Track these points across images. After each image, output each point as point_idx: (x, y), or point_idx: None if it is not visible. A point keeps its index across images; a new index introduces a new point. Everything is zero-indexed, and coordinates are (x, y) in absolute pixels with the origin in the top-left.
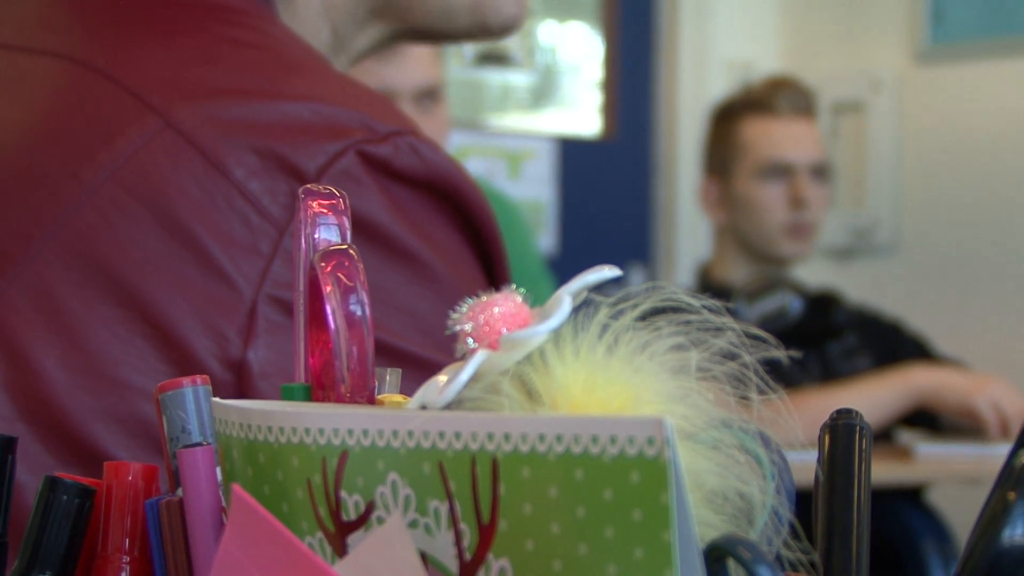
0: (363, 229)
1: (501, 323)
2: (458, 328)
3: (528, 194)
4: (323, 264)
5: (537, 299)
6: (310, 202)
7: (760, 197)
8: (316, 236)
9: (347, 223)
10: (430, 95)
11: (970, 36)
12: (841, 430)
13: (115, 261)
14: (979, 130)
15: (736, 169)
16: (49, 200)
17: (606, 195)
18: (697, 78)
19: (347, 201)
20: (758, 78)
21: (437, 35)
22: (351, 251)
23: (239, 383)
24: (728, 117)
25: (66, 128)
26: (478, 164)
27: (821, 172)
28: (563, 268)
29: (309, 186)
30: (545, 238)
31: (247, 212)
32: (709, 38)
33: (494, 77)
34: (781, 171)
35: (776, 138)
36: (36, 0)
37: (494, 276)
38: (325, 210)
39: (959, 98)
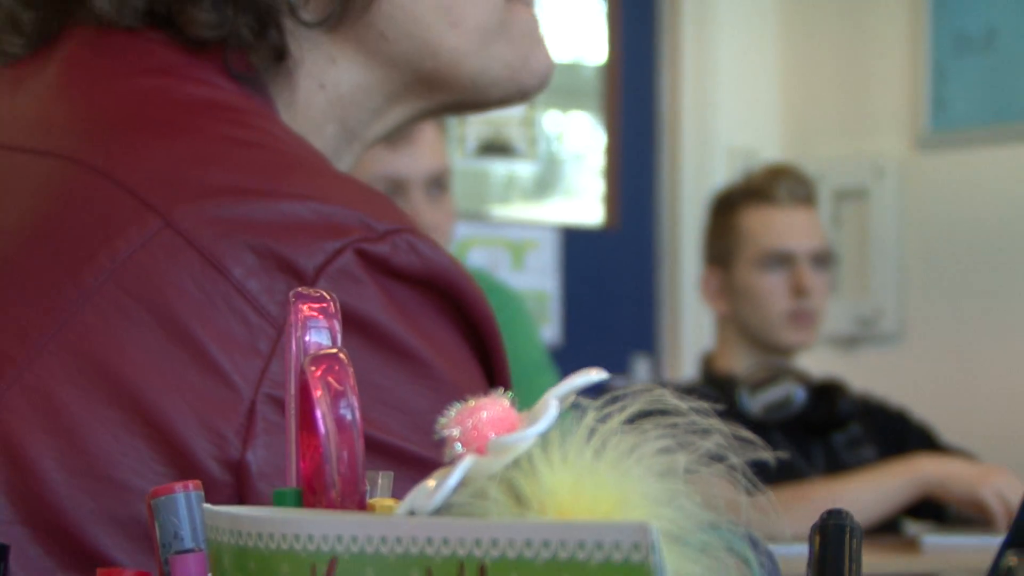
0: (361, 327)
1: (489, 428)
2: (446, 433)
3: (531, 284)
4: (313, 368)
5: (540, 392)
6: (301, 305)
7: (761, 286)
8: (307, 339)
9: (338, 326)
10: (439, 184)
11: (970, 123)
12: (831, 531)
13: (115, 362)
14: (982, 216)
15: (737, 258)
16: (49, 301)
17: (610, 284)
18: (699, 166)
19: (338, 304)
20: (760, 165)
21: (467, 108)
22: (341, 355)
23: (238, 484)
24: (728, 206)
25: (65, 229)
26: (481, 254)
27: (822, 260)
28: (567, 359)
29: (300, 289)
30: (549, 329)
31: (246, 311)
32: (711, 126)
33: (497, 167)
34: (782, 260)
35: (776, 227)
36: (36, 100)
37: (493, 374)
38: (316, 313)
39: (961, 184)
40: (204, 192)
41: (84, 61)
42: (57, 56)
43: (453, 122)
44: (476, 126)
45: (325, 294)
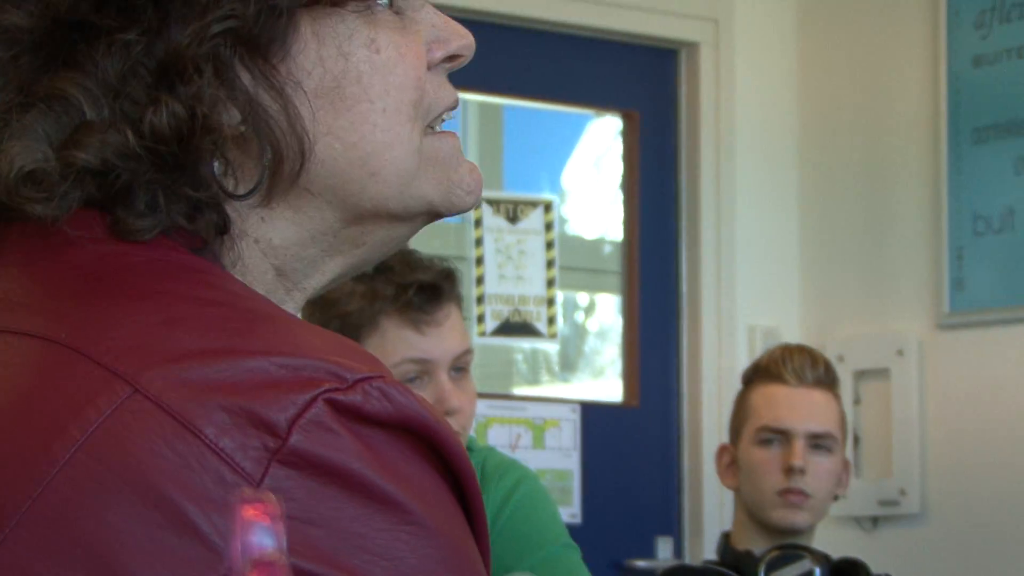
0: (338, 477)
1: None
2: None
3: (552, 464)
4: (254, 575)
5: (560, 572)
6: (245, 508)
7: (756, 461)
8: (251, 541)
9: (283, 529)
10: (462, 365)
11: (990, 303)
12: None
13: (90, 533)
14: (1003, 394)
15: (742, 434)
16: (22, 477)
17: (630, 463)
18: (720, 345)
19: (283, 507)
20: (778, 345)
21: (400, 242)
22: (282, 561)
23: None
24: (744, 384)
25: (35, 405)
26: (501, 433)
27: (824, 442)
28: (588, 539)
29: (244, 491)
30: (569, 509)
31: (221, 470)
32: (731, 304)
33: (517, 346)
34: (778, 437)
35: (778, 404)
36: (3, 269)
37: (472, 516)
38: (261, 515)
39: (982, 363)
40: (170, 356)
41: (37, 239)
42: (12, 240)
43: (472, 301)
44: (495, 305)
45: (271, 497)
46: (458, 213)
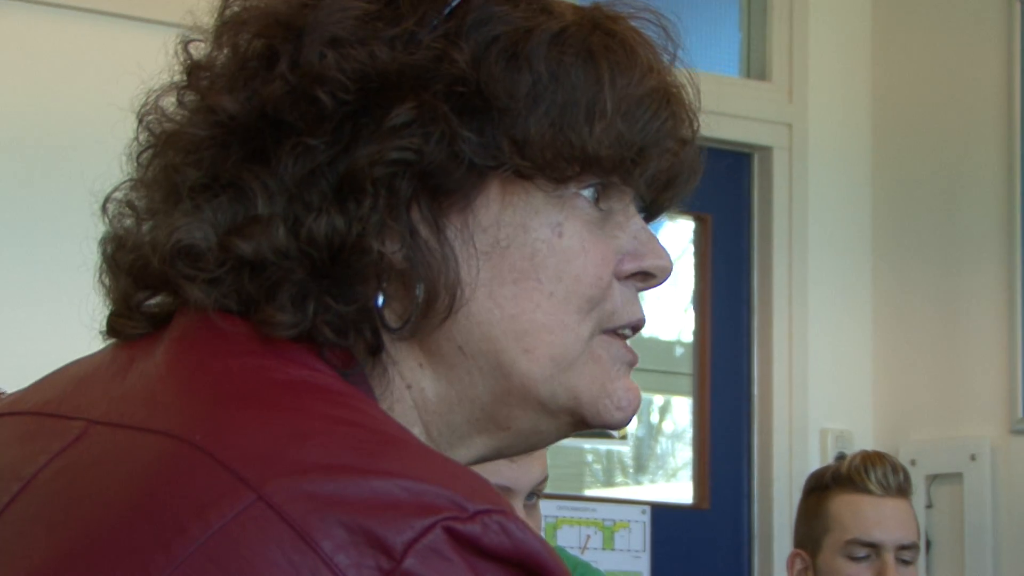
0: None
1: None
2: None
3: (622, 566)
4: None
5: None
6: None
7: (845, 574)
8: None
9: None
10: (537, 492)
11: None
12: None
13: None
14: None
15: (824, 544)
16: (140, 571)
17: (701, 566)
18: (791, 447)
19: None
20: (853, 447)
21: (543, 442)
22: None
23: None
24: (819, 491)
25: (162, 502)
26: (571, 534)
27: (910, 553)
28: None
29: None
30: None
31: None
32: (803, 407)
33: (588, 447)
34: (868, 549)
35: (865, 516)
36: (145, 379)
37: None
38: None
39: None
40: (297, 468)
41: (191, 341)
42: (167, 337)
43: None
44: None
45: None
46: (602, 427)
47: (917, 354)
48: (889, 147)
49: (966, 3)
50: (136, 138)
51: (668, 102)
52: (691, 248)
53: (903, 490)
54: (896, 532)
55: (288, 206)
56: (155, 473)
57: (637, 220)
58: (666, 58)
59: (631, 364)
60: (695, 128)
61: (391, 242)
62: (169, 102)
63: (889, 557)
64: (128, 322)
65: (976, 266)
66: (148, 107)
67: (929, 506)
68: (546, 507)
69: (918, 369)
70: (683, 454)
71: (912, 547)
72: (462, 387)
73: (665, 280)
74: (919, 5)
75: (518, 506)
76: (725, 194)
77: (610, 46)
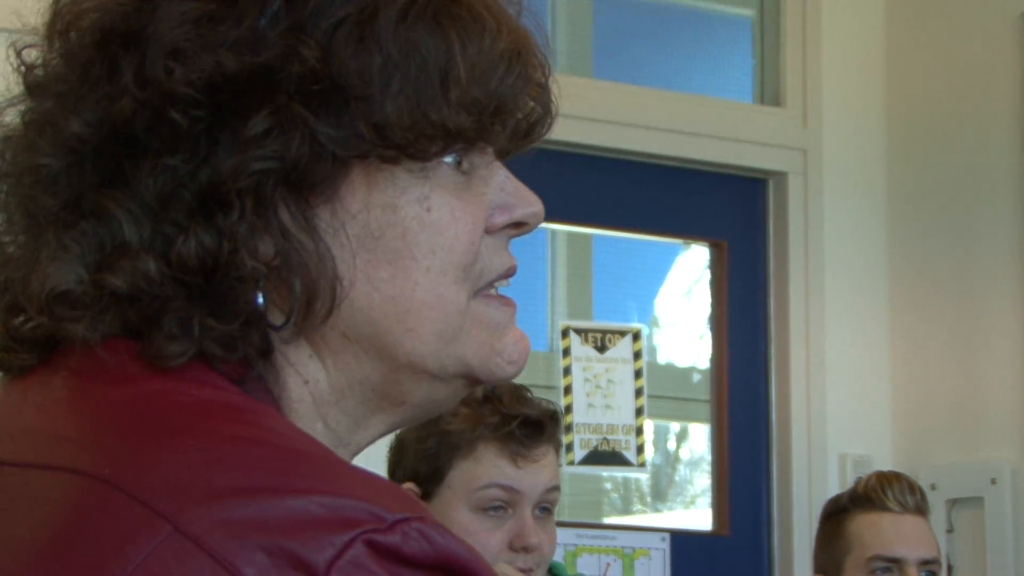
0: None
1: None
2: None
3: None
4: None
5: None
6: None
7: None
8: None
9: None
10: (548, 503)
11: None
12: None
13: None
14: None
15: (846, 565)
16: None
17: None
18: (810, 473)
19: None
20: (872, 473)
21: (440, 406)
22: None
23: None
24: (837, 515)
25: (77, 542)
26: (591, 563)
27: (931, 568)
28: None
29: None
30: None
31: None
32: (822, 433)
33: (606, 475)
34: (891, 566)
35: (885, 532)
36: (42, 413)
37: None
38: None
39: None
40: (211, 494)
41: (86, 372)
42: (61, 368)
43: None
44: (584, 434)
45: None
46: (495, 382)
47: (935, 378)
48: (904, 171)
49: (978, 27)
50: None
51: (519, 55)
52: (707, 274)
53: (920, 508)
54: (918, 548)
55: (154, 228)
56: (68, 513)
57: (501, 171)
58: (512, 10)
59: (512, 314)
60: (547, 71)
61: (264, 246)
62: (8, 121)
63: (911, 571)
64: (13, 355)
65: (993, 290)
66: None
67: (950, 530)
68: (565, 535)
69: (937, 393)
70: (702, 481)
71: (934, 563)
72: (351, 372)
73: (537, 225)
74: (931, 30)
75: (527, 513)
76: (740, 220)
77: (456, 13)
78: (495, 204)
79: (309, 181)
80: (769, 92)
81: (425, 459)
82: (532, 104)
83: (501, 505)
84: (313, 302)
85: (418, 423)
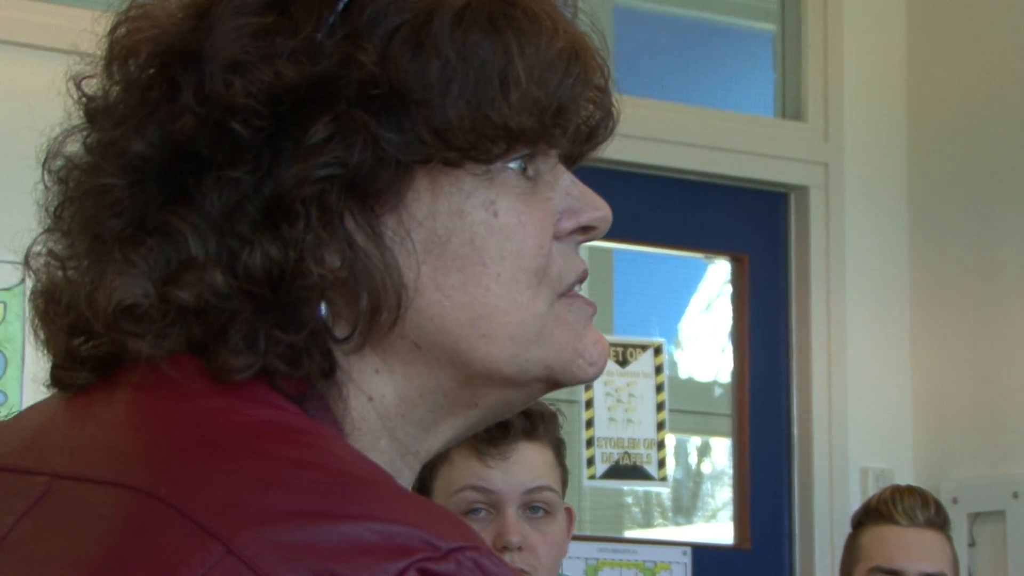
0: None
1: None
2: None
3: None
4: None
5: None
6: None
7: None
8: None
9: None
10: (540, 503)
11: None
12: None
13: None
14: None
15: (853, 575)
16: None
17: None
18: (832, 487)
19: None
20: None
21: (518, 406)
22: None
23: None
24: (854, 527)
25: (130, 561)
26: None
27: None
28: None
29: None
30: None
31: None
32: (843, 447)
33: (627, 489)
34: None
35: (889, 545)
36: (104, 428)
37: None
38: None
39: None
40: (265, 517)
41: (148, 388)
42: (124, 382)
43: (582, 444)
44: (605, 448)
45: None
46: (577, 384)
47: (957, 392)
48: (925, 184)
49: (1002, 41)
50: (44, 186)
51: (578, 56)
52: (728, 289)
53: (933, 522)
54: (919, 561)
55: (220, 241)
56: (123, 530)
57: (566, 176)
58: (567, 12)
59: (592, 316)
60: (607, 73)
61: (329, 256)
62: (72, 147)
63: None
64: (72, 373)
65: (1016, 304)
66: (52, 153)
67: (972, 544)
68: (586, 549)
69: (959, 407)
70: (723, 495)
71: None
72: (421, 381)
73: (606, 229)
74: (953, 44)
75: (509, 513)
76: (762, 234)
77: (512, 15)
78: (562, 209)
79: (373, 188)
80: (790, 106)
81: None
82: (592, 107)
83: (482, 507)
84: (378, 312)
85: (489, 424)
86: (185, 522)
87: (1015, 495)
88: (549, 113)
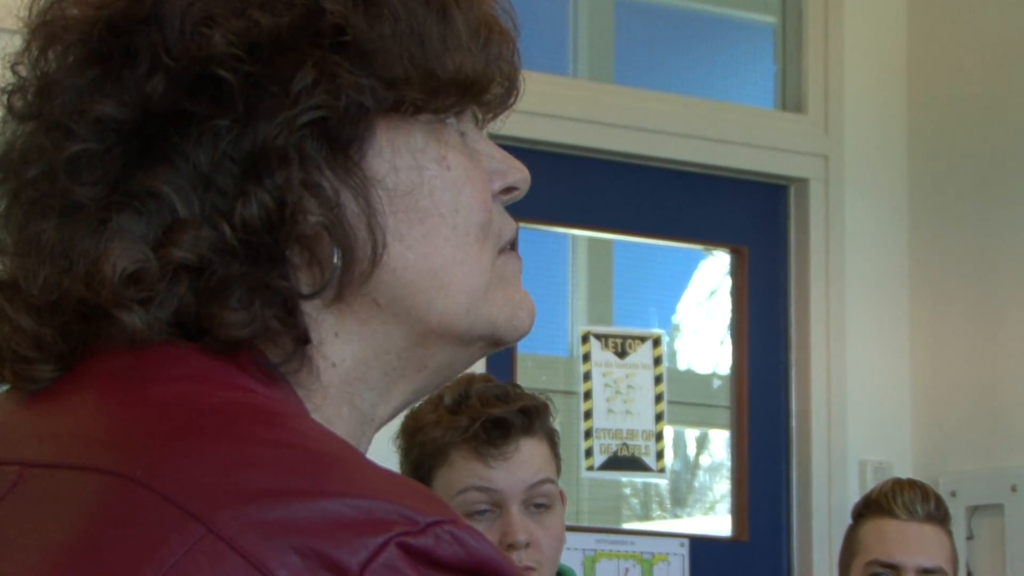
0: None
1: None
2: None
3: None
4: None
5: None
6: None
7: None
8: None
9: None
10: (542, 500)
11: None
12: None
13: None
14: None
15: (851, 568)
16: None
17: None
18: (830, 480)
19: None
20: (889, 479)
21: (458, 370)
22: None
23: None
24: (854, 519)
25: (109, 544)
26: (609, 568)
27: None
28: None
29: None
30: None
31: None
32: (842, 439)
33: (625, 480)
34: (888, 572)
35: (887, 539)
36: (74, 416)
37: None
38: None
39: None
40: (244, 496)
41: (119, 374)
42: (92, 371)
43: (580, 435)
44: (604, 439)
45: None
46: (515, 340)
47: (956, 384)
48: (925, 177)
49: (1003, 32)
50: None
51: (497, 26)
52: (728, 281)
53: (932, 517)
54: (917, 556)
55: (205, 199)
56: (100, 514)
57: (486, 140)
58: None
59: (521, 267)
60: (515, 49)
61: (312, 208)
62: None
63: None
64: (35, 367)
65: (1016, 297)
66: None
67: (970, 537)
68: (584, 540)
69: (957, 400)
70: (721, 487)
71: (937, 572)
72: (377, 341)
73: (526, 191)
74: (954, 37)
75: (513, 511)
76: (762, 226)
77: None
78: (491, 169)
79: (345, 138)
80: (791, 99)
81: (412, 471)
82: (500, 77)
83: (485, 508)
84: (352, 265)
85: (432, 391)
86: (163, 503)
87: (1013, 488)
88: (479, 72)
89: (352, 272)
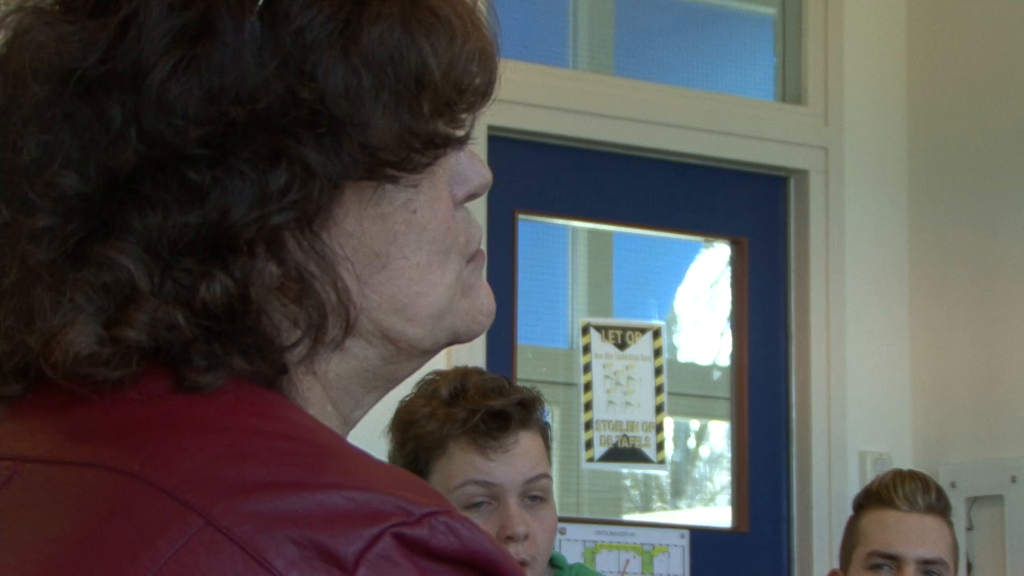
0: None
1: None
2: None
3: None
4: None
5: None
6: None
7: None
8: None
9: None
10: (537, 492)
11: None
12: None
13: None
14: None
15: (852, 559)
16: None
17: None
18: (830, 471)
19: None
20: (891, 470)
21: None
22: None
23: None
24: (855, 510)
25: (107, 536)
26: (610, 559)
27: (935, 568)
28: None
29: None
30: None
31: None
32: (842, 431)
33: (625, 471)
34: (888, 563)
35: (888, 529)
36: (65, 411)
37: None
38: None
39: None
40: (242, 488)
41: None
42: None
43: (580, 427)
44: (604, 431)
45: None
46: (473, 338)
47: (956, 376)
48: (925, 169)
49: (1003, 25)
50: None
51: (473, 36)
52: (728, 272)
53: (933, 508)
54: (918, 547)
55: (164, 274)
56: (98, 507)
57: None
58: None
59: (482, 264)
60: (496, 38)
61: (280, 282)
62: None
63: (908, 569)
64: (4, 388)
65: (1016, 288)
66: None
67: (970, 528)
68: (585, 532)
69: (957, 391)
70: (721, 478)
71: (937, 563)
72: (356, 362)
73: (485, 192)
74: (955, 28)
75: (511, 504)
76: (761, 218)
77: (421, 17)
78: (451, 177)
79: (312, 212)
80: (790, 90)
81: (407, 464)
82: (487, 78)
83: (484, 500)
84: (325, 328)
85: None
86: (161, 496)
87: (1013, 479)
88: (460, 109)
89: (325, 334)
